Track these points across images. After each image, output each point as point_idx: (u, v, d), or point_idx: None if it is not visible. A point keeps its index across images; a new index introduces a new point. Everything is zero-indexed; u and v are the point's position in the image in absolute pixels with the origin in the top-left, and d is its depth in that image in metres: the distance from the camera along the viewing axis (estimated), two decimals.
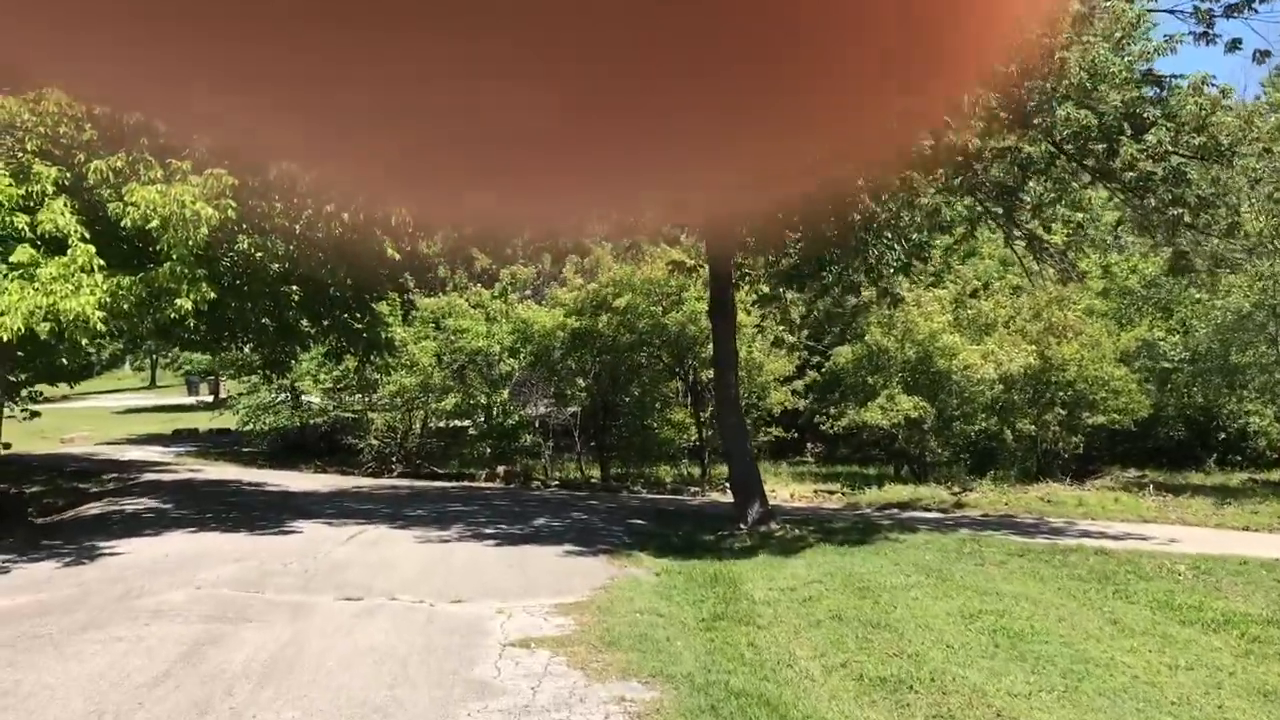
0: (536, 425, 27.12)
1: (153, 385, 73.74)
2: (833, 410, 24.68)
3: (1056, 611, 9.86)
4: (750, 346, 23.57)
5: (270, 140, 0.55)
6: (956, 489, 21.46)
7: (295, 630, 8.53)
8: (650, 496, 21.52)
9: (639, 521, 16.52)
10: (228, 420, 33.33)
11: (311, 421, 29.85)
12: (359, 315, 16.37)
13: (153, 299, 12.41)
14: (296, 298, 15.64)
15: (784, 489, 23.03)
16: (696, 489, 22.66)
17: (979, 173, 15.07)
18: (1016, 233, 15.31)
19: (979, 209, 14.96)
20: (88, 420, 49.64)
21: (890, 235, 13.15)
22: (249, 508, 17.18)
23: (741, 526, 15.77)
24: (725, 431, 16.47)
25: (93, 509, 17.68)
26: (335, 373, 27.96)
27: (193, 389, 60.59)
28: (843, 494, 21.57)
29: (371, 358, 17.02)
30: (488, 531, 14.75)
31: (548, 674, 7.42)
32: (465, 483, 24.38)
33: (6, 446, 35.60)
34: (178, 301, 12.47)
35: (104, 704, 6.54)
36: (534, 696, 6.90)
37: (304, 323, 17.33)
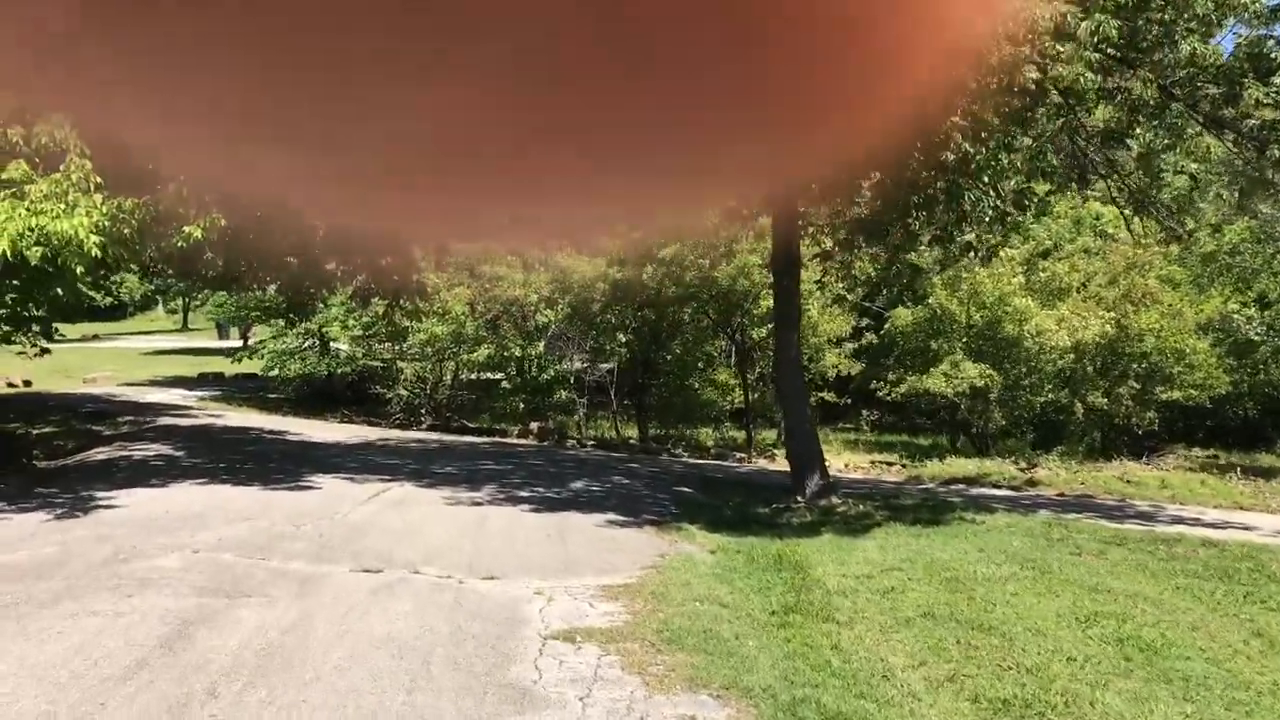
0: (571, 381, 25.91)
1: (184, 328, 73.25)
2: (890, 376, 23.22)
3: (1185, 618, 8.49)
4: (807, 304, 22.13)
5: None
6: (1024, 465, 20.03)
7: (301, 609, 7.34)
8: (693, 461, 20.26)
9: (685, 489, 15.25)
10: (252, 365, 32.34)
11: (339, 370, 28.80)
12: (388, 255, 15.12)
13: (158, 225, 11.20)
14: (321, 231, 14.38)
15: (837, 459, 21.69)
16: (741, 455, 21.38)
17: (1083, 114, 13.51)
18: (1117, 185, 13.75)
19: (1080, 157, 13.42)
20: (114, 360, 49.15)
21: (987, 179, 11.66)
22: (265, 458, 16.08)
23: (799, 499, 14.49)
24: (785, 396, 15.12)
25: (100, 454, 16.66)
26: (364, 319, 26.83)
27: (223, 332, 59.94)
28: (902, 466, 20.22)
29: (400, 302, 15.78)
30: (522, 494, 13.53)
31: (599, 679, 6.18)
32: (497, 438, 23.24)
33: (27, 384, 34.86)
34: (186, 229, 11.26)
35: (59, 702, 5.37)
36: (584, 710, 5.67)
37: (330, 263, 16.12)
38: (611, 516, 12.19)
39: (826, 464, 15.26)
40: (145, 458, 15.88)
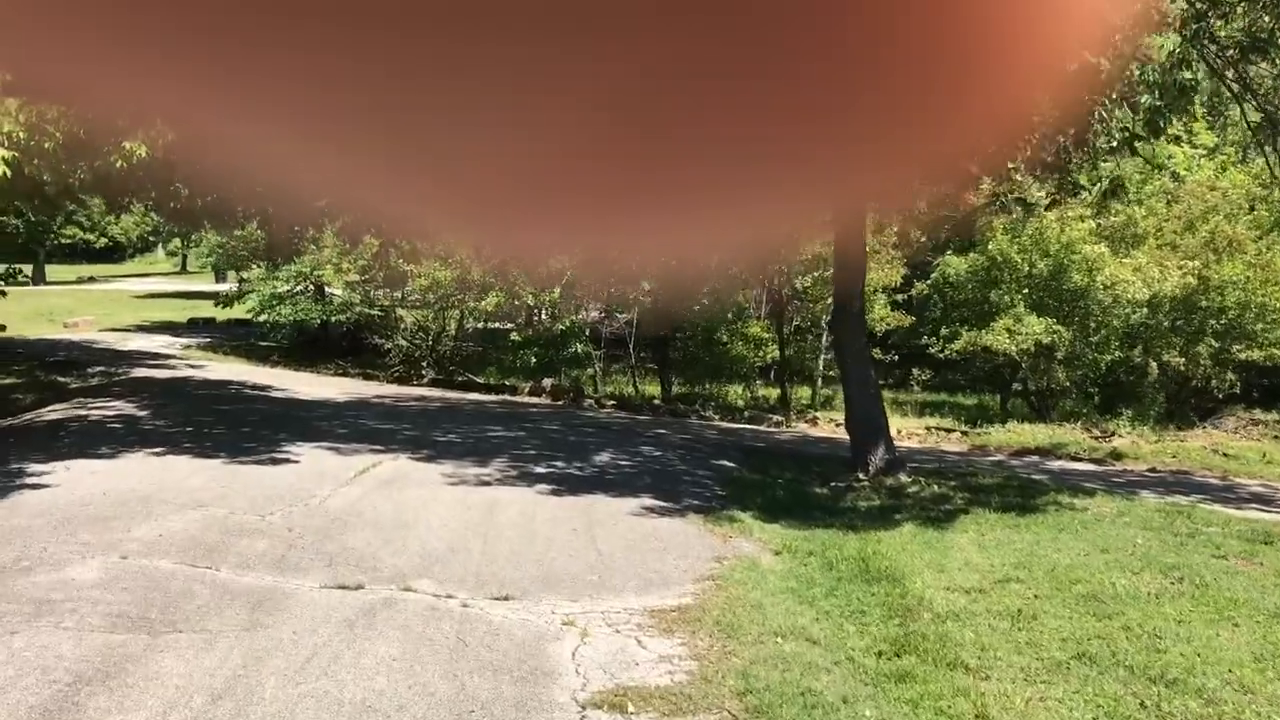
0: (587, 333, 23.88)
1: (183, 271, 71.19)
2: (944, 330, 21.15)
3: None
4: None
5: None
6: (1098, 433, 18.04)
7: (246, 653, 5.41)
8: (728, 426, 18.29)
9: (726, 463, 13.29)
10: (239, 310, 30.38)
11: (334, 317, 26.78)
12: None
13: (91, 139, 9.14)
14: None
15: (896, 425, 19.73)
16: (778, 418, 19.39)
17: (1216, 20, 11.29)
18: (1258, 107, 11.58)
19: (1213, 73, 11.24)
20: (103, 304, 47.37)
21: (1114, 97, 9.52)
22: (240, 420, 14.15)
23: (861, 476, 12.55)
24: (845, 353, 13.10)
25: (53, 412, 14.74)
26: (361, 262, 24.79)
27: (220, 276, 57.91)
28: (962, 434, 18.21)
29: (396, 241, 13.73)
30: (538, 471, 11.58)
31: None
32: (506, 396, 21.29)
33: (1, 329, 32.89)
34: (128, 145, 9.19)
35: None
36: None
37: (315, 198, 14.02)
38: (648, 501, 10.23)
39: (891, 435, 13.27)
40: (102, 418, 13.96)
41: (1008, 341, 19.16)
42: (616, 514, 9.56)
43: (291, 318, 26.51)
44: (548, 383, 21.62)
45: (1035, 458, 15.92)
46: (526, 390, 21.56)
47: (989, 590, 7.76)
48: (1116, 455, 15.87)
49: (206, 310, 41.12)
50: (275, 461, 11.13)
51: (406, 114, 0.48)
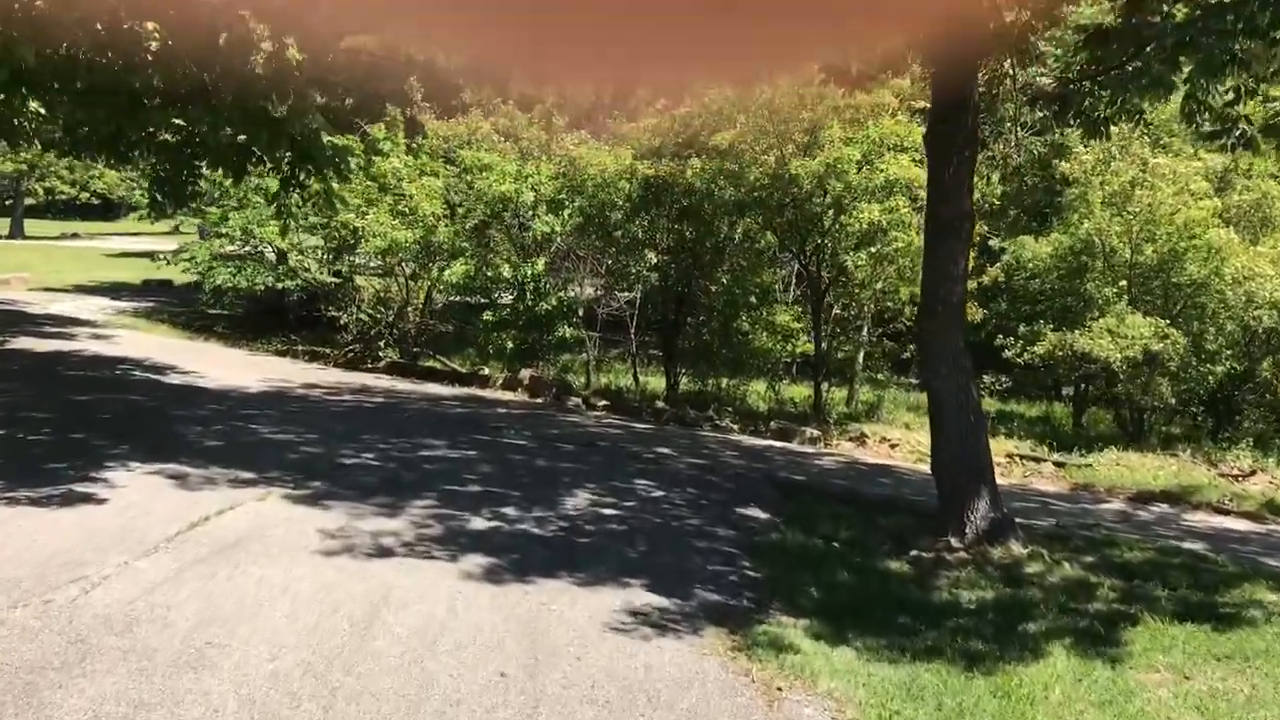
0: (580, 313, 20.05)
1: (176, 231, 67.68)
2: (1022, 329, 17.31)
3: None
4: (906, 227, 16.03)
5: None
6: (1228, 469, 14.23)
7: None
8: (750, 443, 14.44)
9: (755, 512, 9.48)
10: (172, 271, 26.65)
11: (280, 283, 22.96)
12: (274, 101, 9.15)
13: None
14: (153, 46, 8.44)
15: None
16: (813, 431, 15.54)
17: None
18: None
19: None
20: (66, 261, 44.00)
21: None
22: (87, 419, 10.42)
23: (955, 542, 8.81)
24: (936, 360, 9.23)
25: None
26: (310, 218, 20.98)
27: (204, 234, 54.14)
28: (1056, 465, 14.36)
29: (297, 174, 9.81)
30: (474, 528, 7.79)
31: None
32: (474, 389, 17.50)
33: None
34: None
35: None
36: None
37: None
38: (639, 598, 6.44)
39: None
40: None
41: (1110, 346, 15.31)
42: (584, 632, 5.76)
43: (233, 283, 22.66)
44: (526, 374, 17.80)
45: (1164, 506, 12.13)
46: (500, 382, 17.75)
47: None
48: (1274, 507, 12.06)
49: (172, 272, 37.56)
50: (72, 499, 7.36)
51: None
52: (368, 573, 6.42)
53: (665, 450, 12.49)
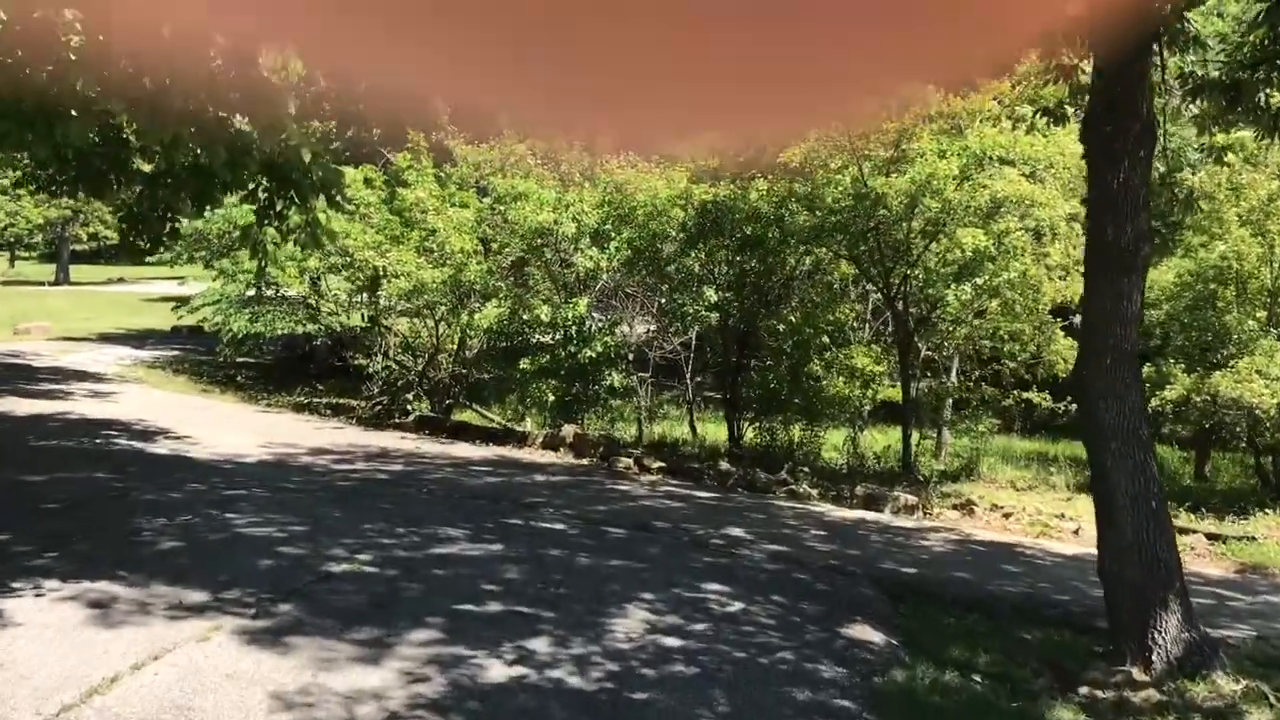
0: (629, 358, 18.01)
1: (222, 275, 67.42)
2: (1146, 370, 14.95)
3: None
4: (1002, 253, 13.79)
5: None
6: None
7: None
8: (837, 516, 12.17)
9: (864, 632, 7.27)
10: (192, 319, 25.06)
11: (302, 329, 21.22)
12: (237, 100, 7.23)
13: None
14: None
15: (1065, 504, 13.60)
16: (907, 498, 13.23)
17: None
18: None
19: None
20: (105, 307, 43.33)
21: None
22: (22, 513, 8.52)
23: (1137, 673, 6.67)
24: (1102, 430, 7.00)
25: None
26: (331, 257, 19.22)
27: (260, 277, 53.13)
28: (1209, 538, 11.96)
29: (275, 204, 7.87)
30: (490, 677, 5.66)
31: None
32: (509, 449, 15.47)
33: None
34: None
35: None
36: None
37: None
38: None
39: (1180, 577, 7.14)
40: None
41: (1264, 390, 12.92)
42: None
43: (249, 330, 20.91)
44: (570, 431, 15.73)
45: None
46: (539, 441, 15.70)
47: None
48: None
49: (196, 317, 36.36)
50: None
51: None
52: None
53: (736, 532, 10.33)
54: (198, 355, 27.39)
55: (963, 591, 8.64)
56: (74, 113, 6.85)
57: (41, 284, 55.30)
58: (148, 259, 36.51)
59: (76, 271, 60.84)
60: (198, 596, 6.61)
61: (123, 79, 7.10)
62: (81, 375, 20.52)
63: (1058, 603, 8.49)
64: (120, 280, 58.94)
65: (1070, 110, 9.93)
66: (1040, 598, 8.64)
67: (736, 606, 7.43)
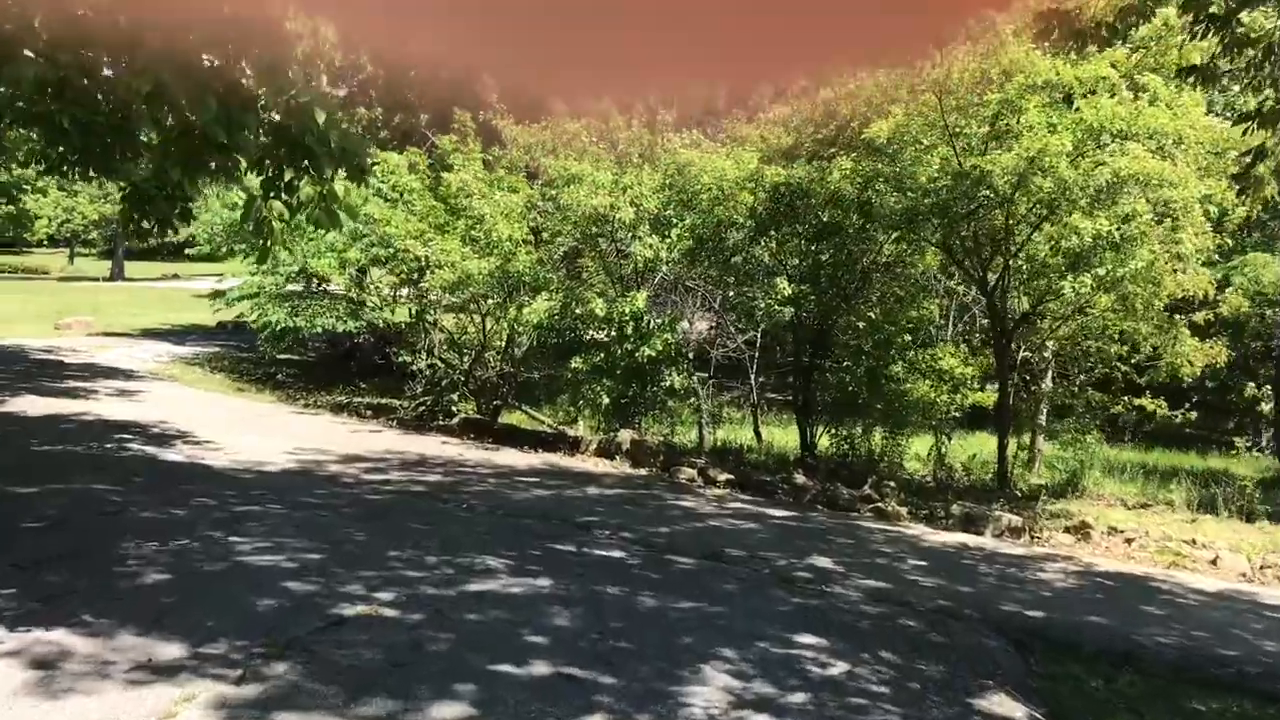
0: (690, 356, 16.65)
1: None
2: None
3: None
4: (1140, 236, 12.17)
5: None
6: None
7: None
8: (934, 541, 10.64)
9: (1001, 705, 5.83)
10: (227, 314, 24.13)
11: (342, 325, 20.12)
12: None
13: None
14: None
15: (1215, 531, 11.99)
16: (1010, 518, 11.67)
17: None
18: None
19: None
20: (153, 303, 43.18)
21: None
22: (6, 538, 7.36)
23: None
24: None
25: None
26: (374, 249, 18.10)
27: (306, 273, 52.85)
28: None
29: (296, 173, 6.64)
30: None
31: None
32: (560, 456, 14.16)
33: None
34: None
35: None
36: None
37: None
38: None
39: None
40: None
41: None
42: None
43: (289, 324, 19.84)
44: (626, 436, 14.39)
45: None
46: (593, 447, 14.36)
47: None
48: None
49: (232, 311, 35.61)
50: None
51: None
52: None
53: (824, 562, 8.90)
54: (238, 352, 26.55)
55: (1104, 641, 7.15)
56: (28, 53, 5.62)
57: (96, 280, 55.44)
58: (187, 253, 35.68)
59: (132, 268, 61.09)
60: (172, 651, 5.34)
61: (95, 17, 5.89)
62: (110, 373, 19.61)
63: (1225, 659, 6.98)
64: (175, 276, 59.02)
65: (1224, 64, 8.40)
66: (1201, 651, 7.12)
67: (839, 668, 6.01)
